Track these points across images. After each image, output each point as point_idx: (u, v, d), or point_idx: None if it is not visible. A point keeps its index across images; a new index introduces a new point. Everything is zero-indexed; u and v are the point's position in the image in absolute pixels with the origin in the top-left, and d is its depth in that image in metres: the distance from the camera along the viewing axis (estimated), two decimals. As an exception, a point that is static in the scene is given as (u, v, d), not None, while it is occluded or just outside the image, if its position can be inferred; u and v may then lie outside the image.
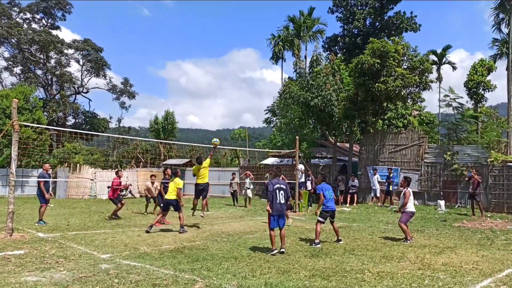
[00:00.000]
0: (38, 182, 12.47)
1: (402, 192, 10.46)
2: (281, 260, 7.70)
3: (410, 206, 10.27)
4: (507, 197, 17.54)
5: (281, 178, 9.07)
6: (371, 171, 20.68)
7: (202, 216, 13.29)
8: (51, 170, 16.20)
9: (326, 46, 37.31)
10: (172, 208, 11.50)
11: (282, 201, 8.44)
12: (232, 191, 21.27)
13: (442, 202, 18.02)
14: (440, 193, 19.30)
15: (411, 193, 10.35)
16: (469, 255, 8.40)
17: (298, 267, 7.09)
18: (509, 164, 17.93)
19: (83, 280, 5.97)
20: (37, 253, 7.88)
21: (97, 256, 7.79)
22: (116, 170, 19.69)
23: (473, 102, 24.42)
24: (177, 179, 11.32)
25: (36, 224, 12.21)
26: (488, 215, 15.80)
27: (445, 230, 12.19)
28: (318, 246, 9.22)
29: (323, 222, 9.74)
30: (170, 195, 11.24)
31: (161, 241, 9.69)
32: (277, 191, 8.41)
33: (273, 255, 8.11)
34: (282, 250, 8.33)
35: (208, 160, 12.55)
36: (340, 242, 9.70)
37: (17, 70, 43.56)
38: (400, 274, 6.72)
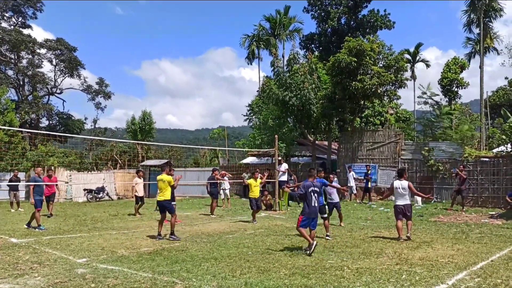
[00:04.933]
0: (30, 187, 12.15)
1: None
2: (262, 259, 7.68)
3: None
4: (481, 192, 18.02)
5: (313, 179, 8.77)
6: (347, 169, 20.87)
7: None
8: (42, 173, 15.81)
9: (303, 44, 37.52)
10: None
11: (316, 204, 8.54)
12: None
13: (419, 198, 18.37)
14: (417, 189, 19.63)
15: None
16: (445, 249, 8.58)
17: (278, 266, 7.09)
18: (482, 159, 18.44)
19: (58, 286, 5.81)
20: (10, 259, 7.62)
21: (73, 261, 7.58)
22: (48, 169, 19.30)
23: (447, 99, 25.02)
24: (164, 175, 10.31)
25: (36, 229, 11.67)
26: (464, 209, 16.20)
27: (422, 225, 12.44)
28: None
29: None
30: (162, 196, 10.21)
31: (139, 243, 9.52)
32: (312, 193, 8.40)
33: None
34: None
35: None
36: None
37: (-14, 70, 42.18)
38: (379, 269, 6.80)
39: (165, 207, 10.32)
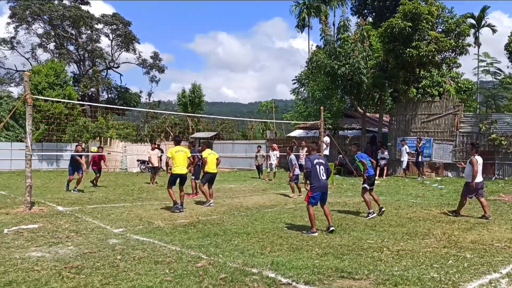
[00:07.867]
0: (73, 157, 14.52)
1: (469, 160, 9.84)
2: (295, 236, 7.34)
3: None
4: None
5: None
6: (399, 142, 19.63)
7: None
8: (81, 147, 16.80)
9: (355, 10, 35.46)
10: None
11: (324, 177, 7.75)
12: (257, 164, 21.02)
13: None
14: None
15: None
16: (503, 232, 7.74)
17: (312, 244, 6.71)
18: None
19: (86, 256, 5.84)
20: (51, 227, 7.89)
21: (110, 231, 7.70)
22: (99, 146, 20.00)
23: (515, 66, 22.66)
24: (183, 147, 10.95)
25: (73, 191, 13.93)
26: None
27: (478, 204, 11.38)
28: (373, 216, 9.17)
29: (368, 189, 9.59)
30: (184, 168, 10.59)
31: (176, 215, 9.53)
32: (317, 166, 7.69)
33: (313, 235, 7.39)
34: (331, 228, 7.60)
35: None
36: (383, 209, 9.56)
37: (51, 46, 44.43)
38: (422, 252, 6.21)
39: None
